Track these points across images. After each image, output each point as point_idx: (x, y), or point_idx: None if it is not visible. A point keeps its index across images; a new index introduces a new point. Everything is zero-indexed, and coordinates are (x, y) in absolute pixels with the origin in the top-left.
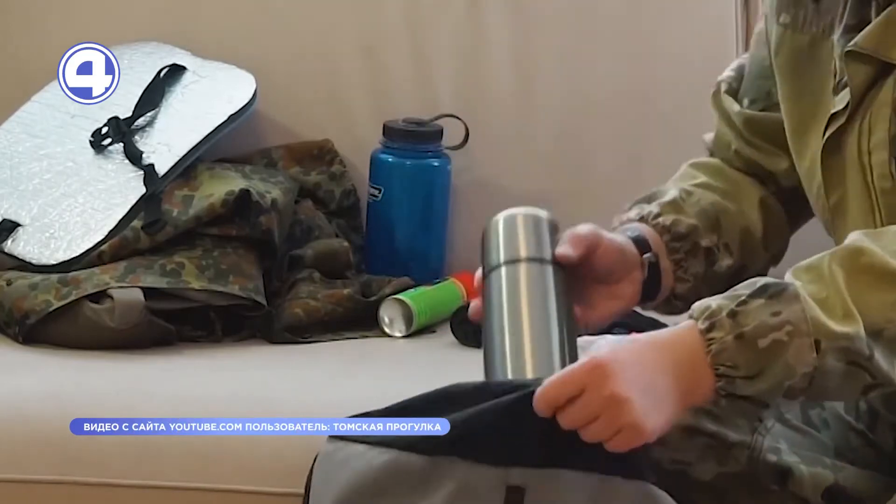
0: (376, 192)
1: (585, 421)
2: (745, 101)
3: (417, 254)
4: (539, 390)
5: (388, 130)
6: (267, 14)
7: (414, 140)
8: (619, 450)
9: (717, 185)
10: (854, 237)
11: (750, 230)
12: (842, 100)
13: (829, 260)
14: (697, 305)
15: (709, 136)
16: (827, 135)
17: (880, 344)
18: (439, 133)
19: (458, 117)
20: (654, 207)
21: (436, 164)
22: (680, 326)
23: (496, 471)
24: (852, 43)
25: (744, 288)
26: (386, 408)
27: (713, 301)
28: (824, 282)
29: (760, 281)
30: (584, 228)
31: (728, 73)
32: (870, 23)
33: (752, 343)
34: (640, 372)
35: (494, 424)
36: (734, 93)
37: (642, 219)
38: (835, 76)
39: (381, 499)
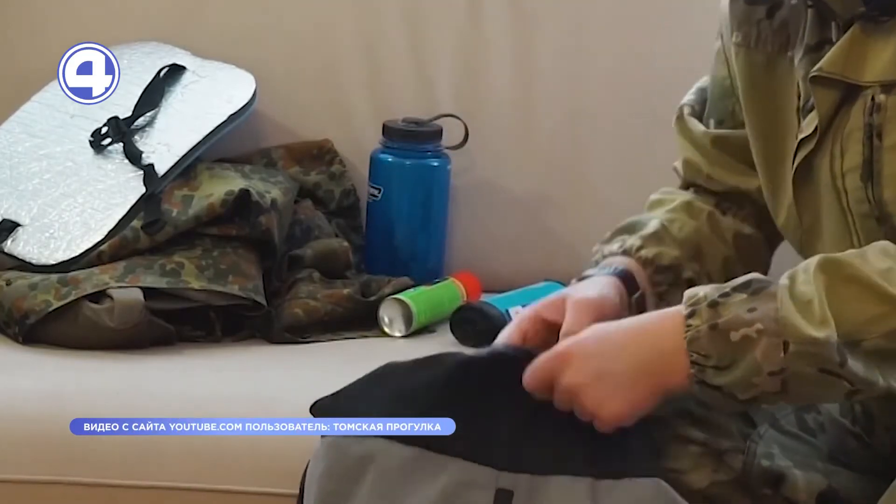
0: (376, 192)
1: (566, 407)
2: (711, 123)
3: (417, 254)
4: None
5: (387, 130)
6: (267, 14)
7: (413, 140)
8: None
9: (692, 217)
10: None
11: (731, 259)
12: (809, 124)
13: (816, 264)
14: (688, 292)
15: (678, 164)
16: (797, 160)
17: (858, 354)
18: (439, 133)
19: (457, 117)
20: (636, 240)
21: (435, 163)
22: (668, 310)
23: (489, 471)
24: (816, 68)
25: (733, 281)
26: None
27: (701, 290)
28: (814, 285)
29: (750, 276)
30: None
31: (689, 96)
32: (831, 42)
33: (724, 335)
34: (599, 359)
35: (492, 426)
36: (698, 116)
37: (625, 252)
38: (799, 97)
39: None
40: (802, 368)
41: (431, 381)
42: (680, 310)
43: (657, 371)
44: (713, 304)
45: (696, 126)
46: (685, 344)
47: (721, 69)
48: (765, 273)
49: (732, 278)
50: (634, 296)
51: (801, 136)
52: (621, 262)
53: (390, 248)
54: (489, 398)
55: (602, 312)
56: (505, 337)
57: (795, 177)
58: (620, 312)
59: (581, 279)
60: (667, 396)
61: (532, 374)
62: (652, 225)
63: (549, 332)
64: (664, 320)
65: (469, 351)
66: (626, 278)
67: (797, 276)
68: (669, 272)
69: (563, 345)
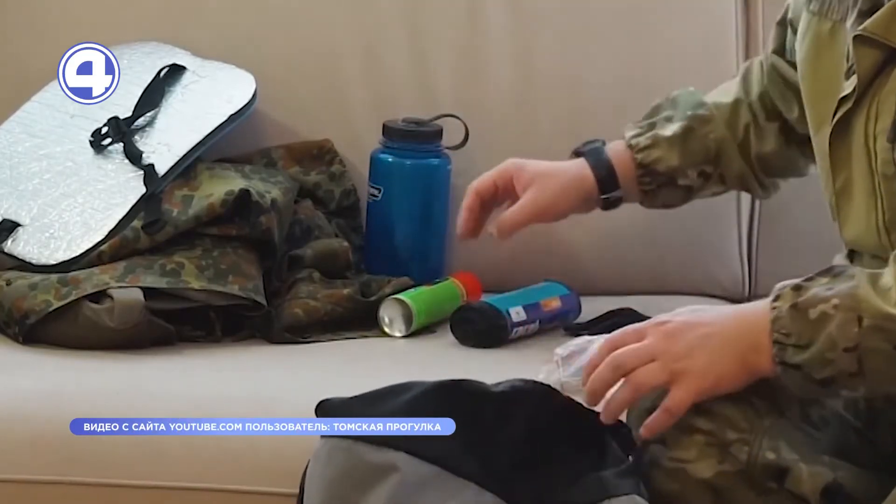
0: (376, 192)
1: (642, 361)
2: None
3: (417, 254)
4: (607, 337)
5: (387, 130)
6: (267, 14)
7: (413, 140)
8: (673, 402)
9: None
10: None
11: (747, 168)
12: (850, 84)
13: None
14: (778, 285)
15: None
16: (836, 118)
17: None
18: (439, 133)
19: (457, 117)
20: (645, 139)
21: (435, 163)
22: (760, 301)
23: (496, 500)
24: (861, 27)
25: (821, 270)
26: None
27: (790, 281)
28: (893, 277)
29: (833, 263)
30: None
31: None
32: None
33: (803, 312)
34: (702, 331)
35: (505, 458)
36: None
37: (630, 146)
38: (847, 61)
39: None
40: (877, 344)
41: (450, 405)
42: (768, 299)
43: (744, 349)
44: (797, 288)
45: (770, 43)
46: (770, 325)
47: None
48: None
49: (746, 189)
50: (607, 195)
51: (841, 95)
52: (616, 156)
53: (390, 248)
54: (505, 429)
55: (548, 216)
56: (479, 182)
57: (832, 135)
58: (571, 210)
59: (576, 153)
60: (752, 378)
61: (624, 332)
62: (673, 128)
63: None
64: (755, 306)
65: (488, 383)
66: (604, 179)
67: (880, 272)
68: (663, 176)
69: (659, 316)
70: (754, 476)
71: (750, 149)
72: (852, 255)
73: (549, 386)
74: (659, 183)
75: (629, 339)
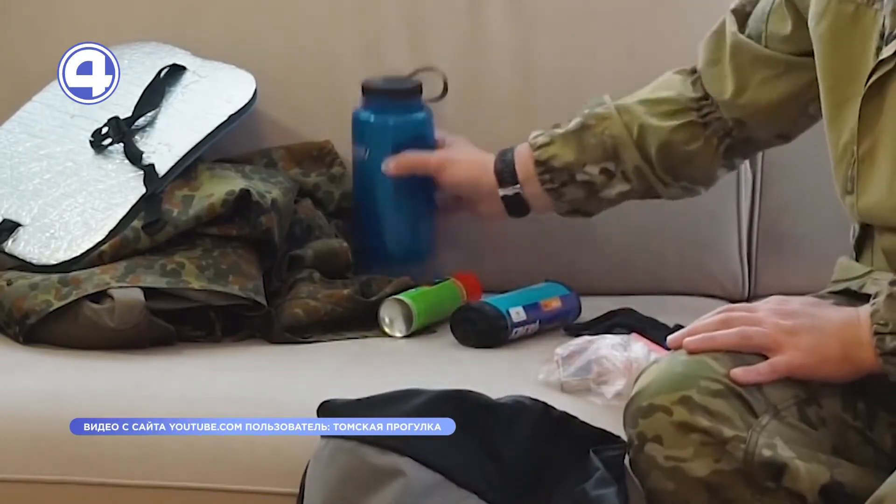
0: (362, 153)
1: (750, 322)
2: (746, 31)
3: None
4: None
5: (367, 90)
6: (267, 14)
7: (393, 98)
8: (777, 362)
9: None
10: None
11: (646, 165)
12: (890, 48)
13: None
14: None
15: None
16: (872, 80)
17: None
18: (419, 88)
19: (436, 69)
20: (544, 138)
21: (420, 117)
22: (861, 314)
23: None
24: None
25: None
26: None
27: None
28: None
29: None
30: (435, 156)
31: None
32: None
33: None
34: (810, 316)
35: (505, 475)
36: (743, 17)
37: (530, 144)
38: (882, 35)
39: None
40: None
41: (456, 415)
42: (867, 313)
43: (848, 342)
44: (893, 282)
45: (731, 25)
46: (869, 319)
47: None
48: (705, 179)
49: (646, 179)
50: (502, 190)
51: (882, 57)
52: (518, 154)
53: (379, 212)
54: (508, 442)
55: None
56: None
57: (864, 99)
58: (474, 190)
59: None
60: (857, 372)
61: (736, 306)
62: (573, 124)
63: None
64: (860, 308)
65: (490, 390)
66: (503, 174)
67: None
68: (562, 173)
69: (770, 298)
70: (751, 474)
71: (648, 147)
72: (864, 231)
73: (545, 403)
74: (561, 181)
75: (741, 310)
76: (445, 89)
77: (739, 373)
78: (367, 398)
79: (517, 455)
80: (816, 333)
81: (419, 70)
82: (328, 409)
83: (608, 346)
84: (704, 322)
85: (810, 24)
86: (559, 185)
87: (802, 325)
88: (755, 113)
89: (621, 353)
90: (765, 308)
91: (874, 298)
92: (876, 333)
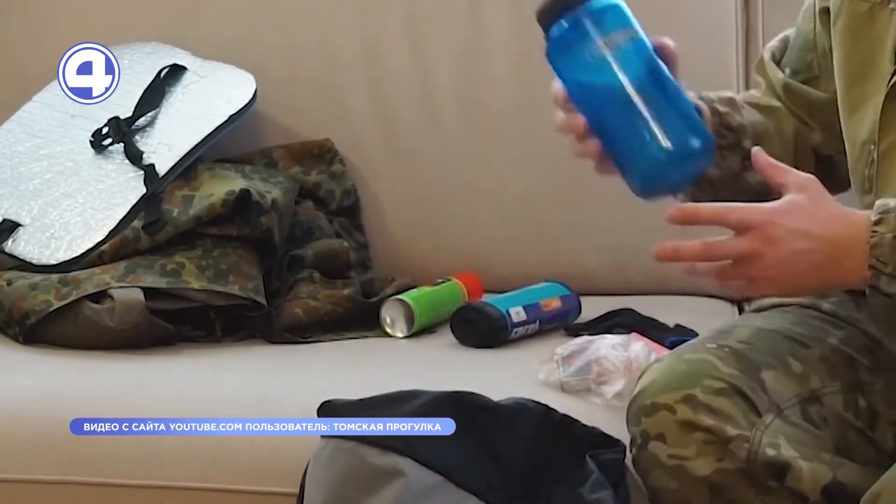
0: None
1: (733, 255)
2: (787, 71)
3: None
4: (706, 205)
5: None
6: (267, 14)
7: None
8: (749, 290)
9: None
10: None
11: (784, 159)
12: None
13: None
14: (879, 201)
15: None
16: (894, 80)
17: None
18: None
19: None
20: (712, 94)
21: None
22: (860, 213)
23: None
24: None
25: None
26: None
27: (892, 200)
28: None
29: None
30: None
31: (773, 43)
32: None
33: None
34: (800, 247)
35: (504, 475)
36: (777, 62)
37: (701, 97)
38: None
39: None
40: None
41: (457, 416)
42: (870, 215)
43: (836, 263)
44: None
45: (775, 72)
46: (867, 248)
47: (807, 23)
48: None
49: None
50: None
51: None
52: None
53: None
54: (509, 444)
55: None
56: None
57: (887, 99)
58: None
59: None
60: (835, 287)
61: (732, 215)
62: (728, 93)
63: None
64: (854, 223)
65: (491, 392)
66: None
67: None
68: (732, 133)
69: (771, 212)
70: (754, 473)
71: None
72: None
73: (546, 406)
74: (729, 142)
75: (731, 222)
76: None
77: (717, 277)
78: (368, 398)
79: (517, 456)
80: (798, 270)
81: None
82: (328, 410)
83: (608, 346)
84: (688, 246)
85: (831, 24)
86: (727, 145)
87: (785, 260)
88: None
89: (621, 353)
90: (755, 233)
91: (877, 225)
92: (872, 268)
